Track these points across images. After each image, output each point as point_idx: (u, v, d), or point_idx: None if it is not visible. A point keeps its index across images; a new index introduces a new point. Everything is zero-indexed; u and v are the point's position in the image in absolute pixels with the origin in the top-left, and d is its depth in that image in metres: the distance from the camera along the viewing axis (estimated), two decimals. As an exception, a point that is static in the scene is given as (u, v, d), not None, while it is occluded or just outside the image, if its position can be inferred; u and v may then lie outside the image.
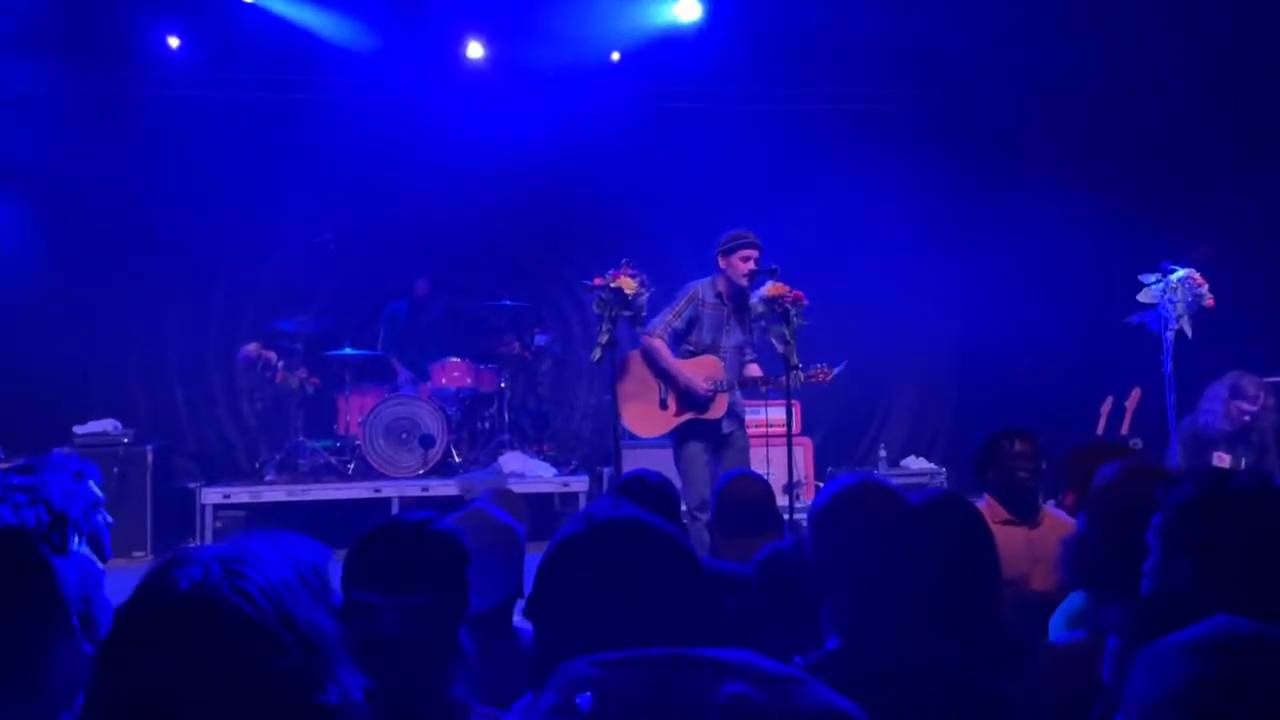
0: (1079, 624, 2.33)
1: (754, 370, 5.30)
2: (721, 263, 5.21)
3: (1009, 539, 3.24)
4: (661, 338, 5.17)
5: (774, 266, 5.10)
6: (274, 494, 7.09)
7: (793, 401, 5.23)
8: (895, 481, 6.62)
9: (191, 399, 8.36)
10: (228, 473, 7.94)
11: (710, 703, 0.84)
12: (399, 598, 1.64)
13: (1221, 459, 5.33)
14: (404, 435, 7.24)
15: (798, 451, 6.69)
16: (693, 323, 5.23)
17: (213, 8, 7.67)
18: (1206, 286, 5.11)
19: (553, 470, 7.45)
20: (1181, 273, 5.12)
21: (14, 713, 1.19)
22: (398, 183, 8.16)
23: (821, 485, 7.21)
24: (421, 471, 7.22)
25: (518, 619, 2.38)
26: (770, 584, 2.31)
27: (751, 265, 5.12)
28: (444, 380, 7.53)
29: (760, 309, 5.04)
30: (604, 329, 4.94)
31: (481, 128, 7.89)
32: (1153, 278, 5.20)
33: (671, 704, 0.85)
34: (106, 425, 7.16)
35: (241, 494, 7.12)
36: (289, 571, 1.02)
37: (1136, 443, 6.39)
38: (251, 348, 7.39)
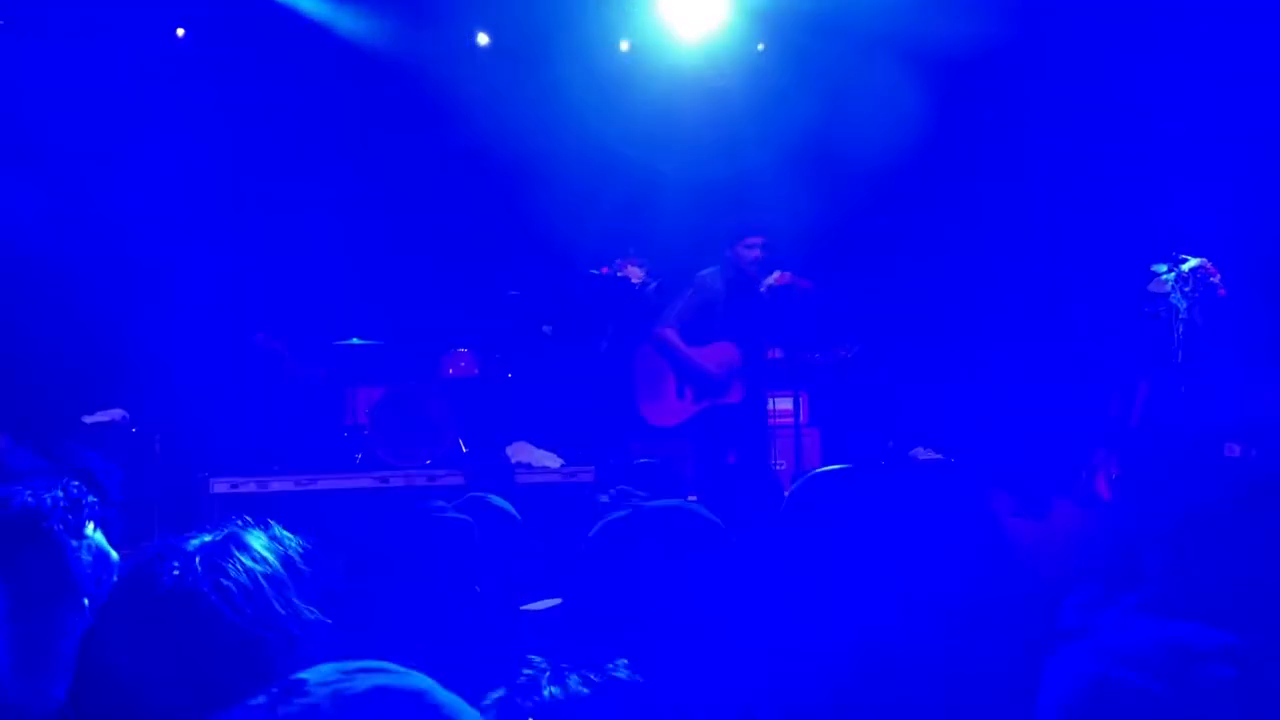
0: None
1: (776, 354, 5.31)
2: (730, 249, 5.22)
3: (1018, 532, 3.23)
4: (672, 328, 5.20)
5: (781, 256, 5.10)
6: (281, 484, 7.09)
7: (800, 392, 5.22)
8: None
9: (200, 388, 8.36)
10: (235, 463, 7.94)
11: None
12: (407, 584, 1.63)
13: (1232, 450, 5.30)
14: (411, 425, 7.24)
15: (805, 442, 6.67)
16: (705, 311, 5.25)
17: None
18: (1219, 276, 5.08)
19: (560, 460, 7.44)
20: (1193, 262, 5.09)
21: (25, 691, 1.19)
22: (402, 172, 8.14)
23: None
24: (428, 461, 7.22)
25: (527, 609, 2.37)
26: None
27: (758, 253, 5.13)
28: (451, 370, 7.53)
29: (768, 297, 5.04)
30: (611, 318, 4.94)
31: (483, 119, 7.86)
32: (1164, 267, 5.17)
33: None
34: (114, 414, 7.17)
35: (249, 484, 7.12)
36: (275, 565, 1.02)
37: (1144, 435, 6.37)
38: (260, 337, 7.40)
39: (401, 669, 0.87)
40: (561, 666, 0.92)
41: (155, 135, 7.68)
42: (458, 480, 7.09)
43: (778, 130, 7.97)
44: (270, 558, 1.04)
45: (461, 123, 7.87)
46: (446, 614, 1.70)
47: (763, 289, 5.06)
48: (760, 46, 8.43)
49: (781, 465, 5.05)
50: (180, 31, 7.87)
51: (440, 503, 1.82)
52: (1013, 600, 2.28)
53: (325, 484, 7.10)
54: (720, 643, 1.34)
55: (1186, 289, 5.03)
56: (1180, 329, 5.11)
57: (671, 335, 5.20)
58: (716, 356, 5.20)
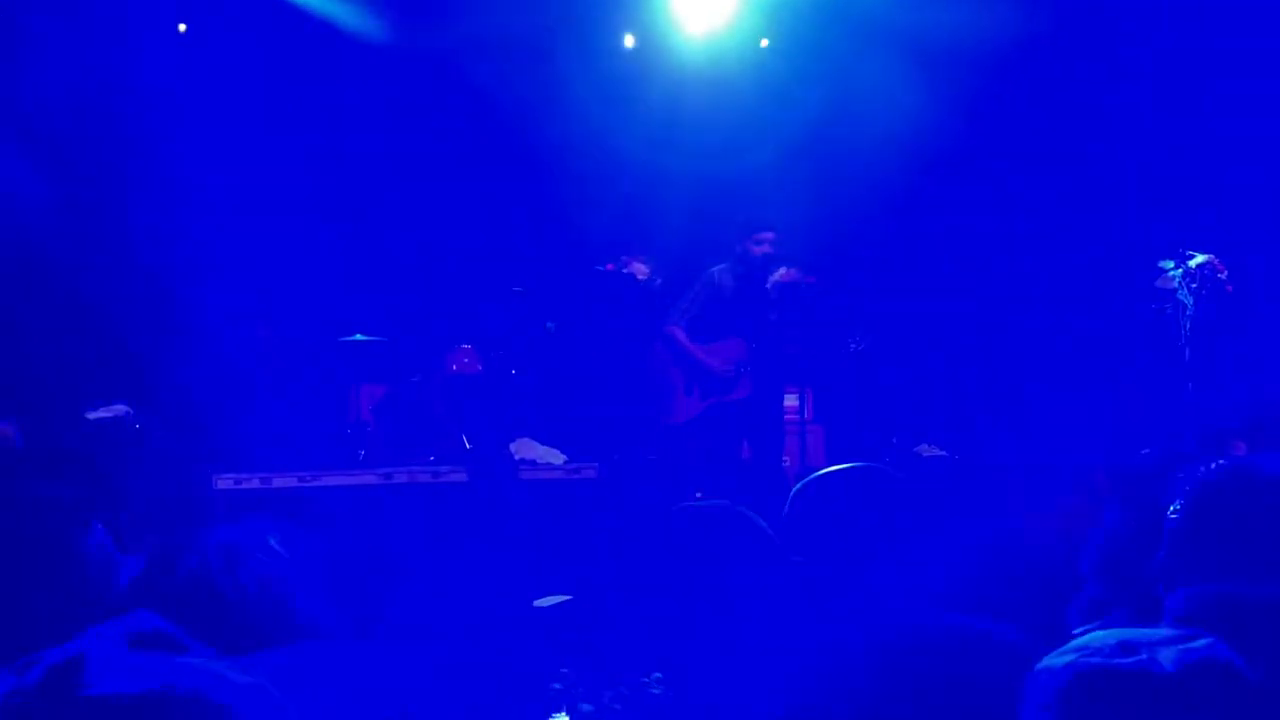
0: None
1: (790, 350, 5.31)
2: (740, 245, 5.24)
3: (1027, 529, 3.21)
4: (679, 325, 5.23)
5: (788, 251, 5.10)
6: (284, 480, 7.09)
7: (806, 389, 5.22)
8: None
9: (203, 384, 8.36)
10: (238, 459, 7.94)
11: None
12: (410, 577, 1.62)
13: (1238, 447, 5.28)
14: (415, 422, 7.24)
15: (810, 438, 6.66)
16: (711, 307, 5.28)
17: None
18: (1226, 273, 5.06)
19: (564, 457, 7.44)
20: (1201, 258, 5.07)
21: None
22: (404, 171, 8.14)
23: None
24: (432, 458, 7.22)
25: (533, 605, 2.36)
26: None
27: (767, 248, 5.14)
28: (455, 366, 7.52)
29: (775, 293, 5.03)
30: (616, 315, 4.94)
31: (487, 115, 7.85)
32: (1171, 263, 5.15)
33: None
34: (118, 410, 7.16)
35: (253, 480, 7.12)
36: (289, 561, 1.01)
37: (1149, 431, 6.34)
38: (263, 333, 7.39)
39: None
40: (595, 679, 0.90)
41: (160, 128, 7.67)
42: (461, 477, 7.09)
43: (784, 125, 7.97)
44: (284, 554, 1.03)
45: (466, 118, 7.86)
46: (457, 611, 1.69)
47: (770, 285, 5.06)
48: (764, 42, 8.41)
49: (787, 462, 5.05)
50: (182, 27, 7.86)
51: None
52: (1017, 598, 2.27)
53: (329, 480, 7.10)
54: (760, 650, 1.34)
55: (1194, 285, 5.01)
56: (1187, 325, 5.09)
57: (679, 333, 5.23)
58: (724, 353, 5.21)
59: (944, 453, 7.91)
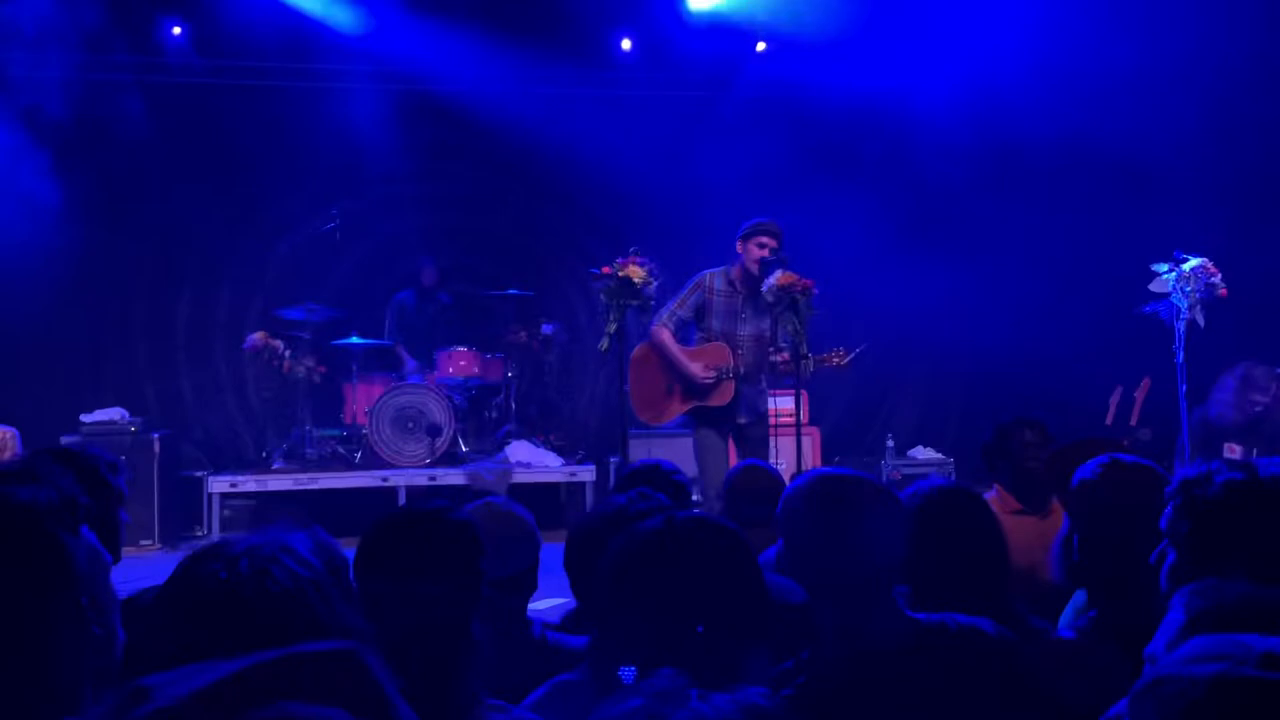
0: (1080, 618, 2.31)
1: (784, 357, 5.30)
2: (740, 247, 5.22)
3: (1019, 529, 3.20)
4: (666, 327, 5.20)
5: (784, 255, 5.08)
6: (281, 483, 7.09)
7: (801, 391, 5.21)
8: (902, 471, 6.59)
9: (199, 388, 8.36)
10: (235, 462, 7.94)
11: None
12: (411, 587, 1.63)
13: (1232, 450, 5.30)
14: (411, 424, 7.23)
15: (806, 441, 6.67)
16: (701, 311, 5.24)
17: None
18: (1219, 276, 5.08)
19: (559, 460, 7.45)
20: (1194, 262, 5.08)
21: (18, 689, 1.18)
22: (404, 170, 8.14)
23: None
24: (428, 461, 7.22)
25: (531, 610, 2.36)
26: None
27: (765, 252, 5.12)
28: (451, 369, 7.52)
29: (770, 298, 5.02)
30: (612, 318, 4.93)
31: (488, 115, 7.85)
32: (1165, 266, 5.16)
33: None
34: (113, 414, 7.16)
35: (248, 483, 7.12)
36: (319, 570, 1.01)
37: (1145, 433, 6.37)
38: (258, 336, 7.37)
39: None
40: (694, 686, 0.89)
41: (159, 130, 7.67)
42: (458, 479, 7.09)
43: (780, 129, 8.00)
44: (315, 562, 1.03)
45: (463, 122, 7.87)
46: (446, 615, 1.69)
47: (765, 289, 5.05)
48: (761, 46, 8.44)
49: (782, 465, 5.04)
50: (177, 30, 7.85)
51: (446, 501, 1.81)
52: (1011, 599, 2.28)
53: (325, 483, 7.11)
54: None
55: (1188, 288, 5.02)
56: (1181, 329, 5.11)
57: (666, 335, 5.20)
58: (707, 358, 5.18)
59: (940, 456, 7.93)
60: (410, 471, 7.15)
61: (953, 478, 5.92)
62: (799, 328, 4.91)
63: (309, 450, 7.40)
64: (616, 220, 7.95)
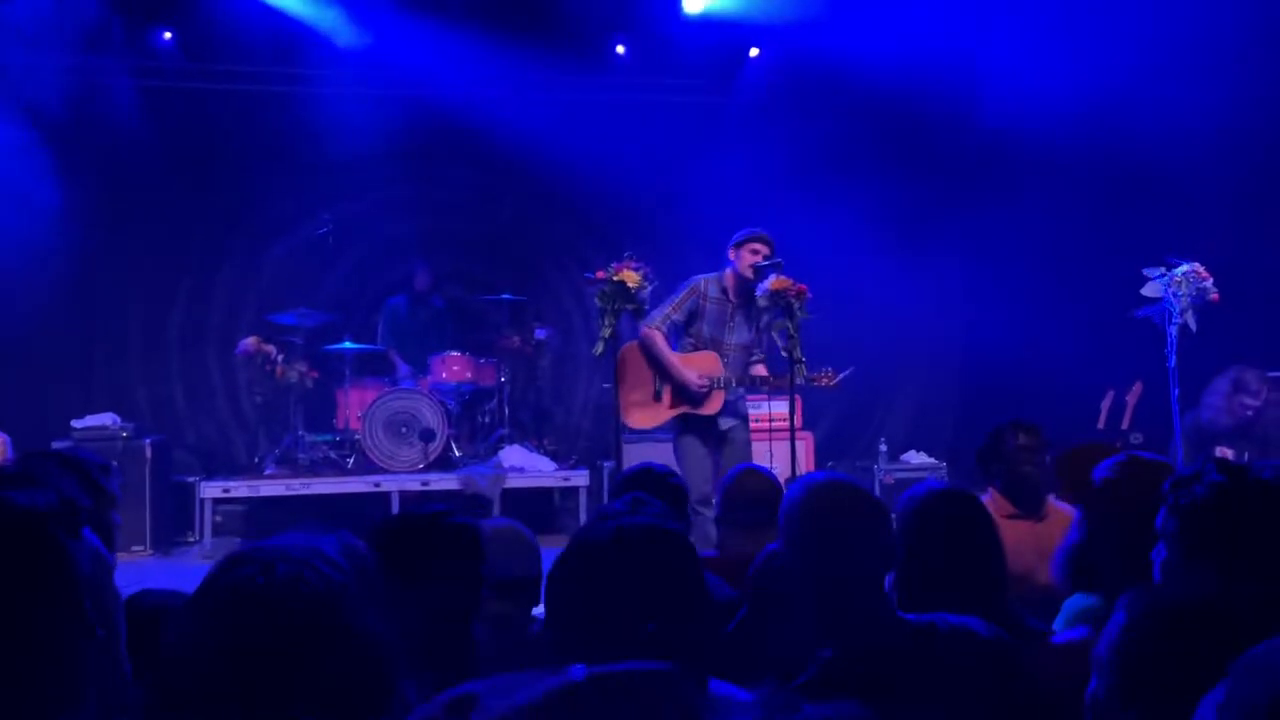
0: (1082, 622, 2.31)
1: (760, 370, 5.28)
2: (732, 254, 5.22)
3: (1015, 533, 3.21)
4: (659, 330, 5.17)
5: (778, 260, 5.09)
6: (273, 488, 7.07)
7: (795, 396, 5.21)
8: (895, 475, 6.59)
9: (191, 393, 8.34)
10: (227, 467, 7.92)
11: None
12: (412, 591, 1.62)
13: (1224, 453, 5.32)
14: (404, 429, 7.22)
15: (799, 446, 6.67)
16: (693, 316, 5.22)
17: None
18: (1211, 280, 5.10)
19: (553, 465, 7.44)
20: (1186, 266, 5.10)
21: (22, 692, 1.18)
22: (397, 175, 8.14)
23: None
24: (421, 466, 7.20)
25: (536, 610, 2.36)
26: (764, 591, 2.27)
27: (758, 259, 5.12)
28: (444, 374, 7.51)
29: (764, 303, 5.02)
30: (606, 323, 4.91)
31: (481, 119, 7.86)
32: (1157, 271, 5.18)
33: None
34: (105, 419, 7.13)
35: (241, 488, 7.10)
36: (349, 573, 1.01)
37: (1137, 437, 6.39)
38: (250, 341, 7.35)
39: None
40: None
41: (150, 135, 7.65)
42: (451, 485, 7.08)
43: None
44: (345, 565, 1.03)
45: (456, 126, 7.87)
46: (447, 620, 1.69)
47: (760, 293, 5.05)
48: (754, 52, 8.46)
49: (776, 469, 5.04)
50: (168, 35, 7.84)
51: (445, 505, 1.80)
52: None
53: (318, 488, 7.09)
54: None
55: (1179, 293, 5.05)
56: (1173, 333, 5.13)
57: (656, 337, 5.19)
58: (699, 365, 5.18)
59: (933, 460, 7.95)
60: (403, 477, 7.13)
61: (945, 481, 5.93)
62: (793, 332, 4.92)
63: (301, 455, 7.39)
64: (610, 224, 7.97)
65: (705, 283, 5.26)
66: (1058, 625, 2.44)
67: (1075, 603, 2.45)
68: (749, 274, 5.14)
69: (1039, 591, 3.25)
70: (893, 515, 2.09)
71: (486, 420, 7.88)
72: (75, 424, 7.05)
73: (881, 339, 8.09)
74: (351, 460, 7.41)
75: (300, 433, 7.44)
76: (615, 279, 4.86)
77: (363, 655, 0.99)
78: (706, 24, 7.99)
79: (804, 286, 4.91)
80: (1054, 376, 7.14)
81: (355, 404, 7.44)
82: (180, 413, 8.29)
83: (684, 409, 5.17)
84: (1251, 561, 1.61)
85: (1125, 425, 6.51)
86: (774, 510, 3.15)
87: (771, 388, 5.22)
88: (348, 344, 7.52)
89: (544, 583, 2.44)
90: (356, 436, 7.31)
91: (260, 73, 7.92)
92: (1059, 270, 7.53)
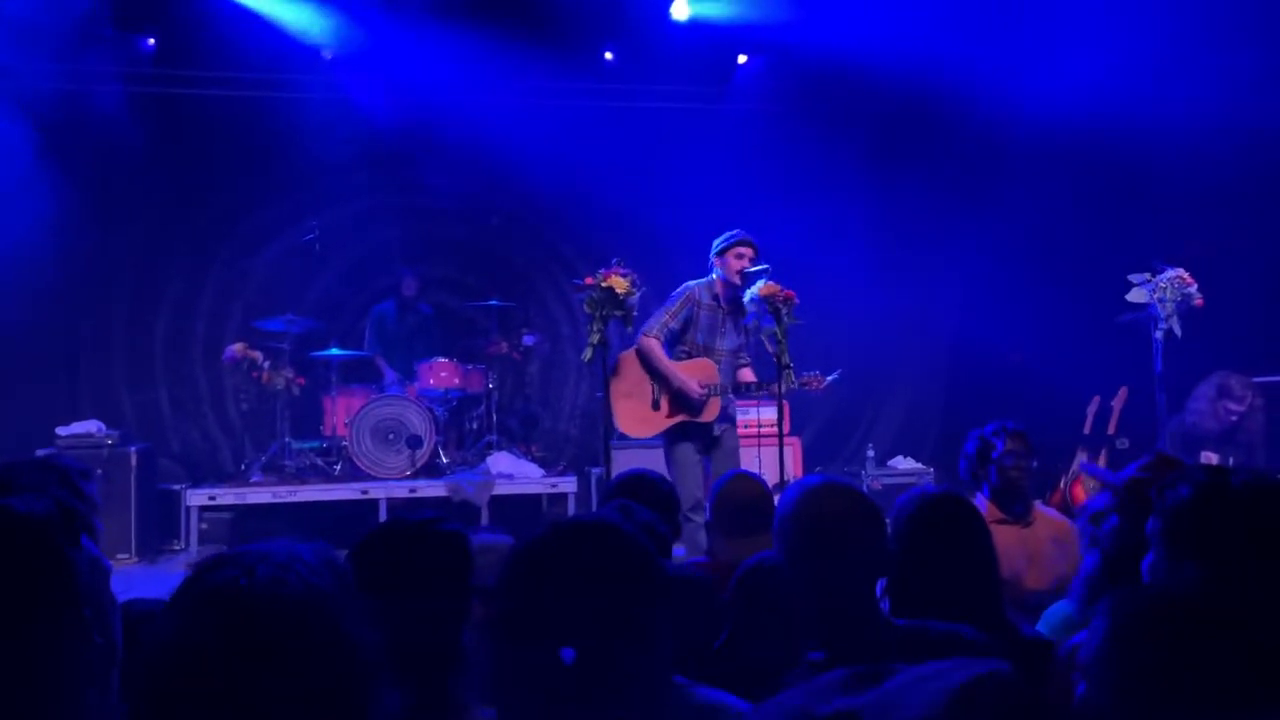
0: (1064, 627, 2.32)
1: (747, 375, 5.29)
2: (717, 264, 5.21)
3: (1002, 538, 3.22)
4: (657, 338, 5.15)
5: (766, 266, 5.09)
6: (260, 495, 7.04)
7: (783, 402, 5.22)
8: (883, 481, 6.60)
9: (176, 400, 8.30)
10: (213, 474, 7.88)
11: None
12: (401, 600, 1.62)
13: (1209, 458, 5.36)
14: (391, 436, 7.20)
15: (787, 451, 6.68)
16: (688, 324, 5.21)
17: (192, 6, 7.60)
18: (1195, 286, 5.15)
19: (541, 471, 7.43)
20: (1170, 273, 5.14)
21: (22, 698, 1.18)
22: (384, 182, 8.13)
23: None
24: (409, 473, 7.18)
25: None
26: (752, 595, 2.27)
27: (745, 263, 5.12)
28: (431, 381, 7.49)
29: (752, 308, 5.03)
30: (595, 329, 4.91)
31: (468, 126, 7.85)
32: (1141, 277, 5.22)
33: None
34: (90, 426, 7.08)
35: (227, 495, 7.06)
36: (329, 578, 1.01)
37: (1123, 442, 6.43)
38: (237, 348, 7.32)
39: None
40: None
41: (135, 142, 7.61)
42: (439, 491, 7.07)
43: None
44: (324, 571, 1.03)
45: (445, 132, 7.86)
46: (436, 628, 1.69)
47: (747, 300, 5.06)
48: (742, 59, 8.49)
49: (764, 474, 5.05)
50: (151, 41, 7.82)
51: (434, 512, 1.80)
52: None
53: (304, 495, 7.06)
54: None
55: (1164, 299, 5.09)
56: (1159, 338, 5.17)
57: (654, 346, 5.17)
58: (696, 373, 5.18)
59: (920, 465, 7.97)
60: (390, 483, 7.11)
61: (941, 485, 5.94)
62: (781, 338, 4.93)
63: (288, 462, 7.35)
64: (598, 230, 7.97)
65: (698, 289, 5.25)
66: (1043, 625, 2.45)
67: (1057, 609, 2.46)
68: (737, 280, 5.14)
69: (1026, 596, 3.26)
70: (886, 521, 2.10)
71: (474, 427, 7.86)
72: (60, 431, 7.00)
73: (869, 344, 8.10)
74: (339, 467, 7.38)
75: (287, 440, 7.40)
76: (603, 285, 4.86)
77: (344, 659, 0.99)
78: (694, 30, 8.01)
79: (792, 292, 4.92)
80: (1041, 382, 7.18)
81: (342, 411, 7.41)
82: (166, 420, 8.24)
83: (682, 417, 5.16)
84: (1232, 561, 1.63)
85: (1111, 430, 6.55)
86: (764, 516, 3.17)
87: (760, 392, 5.22)
88: (335, 350, 7.49)
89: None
90: (344, 443, 7.29)
91: (247, 79, 7.88)
92: (1046, 276, 7.56)
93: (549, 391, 8.67)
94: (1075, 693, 1.37)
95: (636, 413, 5.21)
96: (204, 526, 7.02)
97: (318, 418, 7.69)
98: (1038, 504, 3.90)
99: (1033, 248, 7.59)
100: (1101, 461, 6.11)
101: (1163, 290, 5.12)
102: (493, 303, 7.96)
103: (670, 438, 5.20)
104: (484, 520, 6.82)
